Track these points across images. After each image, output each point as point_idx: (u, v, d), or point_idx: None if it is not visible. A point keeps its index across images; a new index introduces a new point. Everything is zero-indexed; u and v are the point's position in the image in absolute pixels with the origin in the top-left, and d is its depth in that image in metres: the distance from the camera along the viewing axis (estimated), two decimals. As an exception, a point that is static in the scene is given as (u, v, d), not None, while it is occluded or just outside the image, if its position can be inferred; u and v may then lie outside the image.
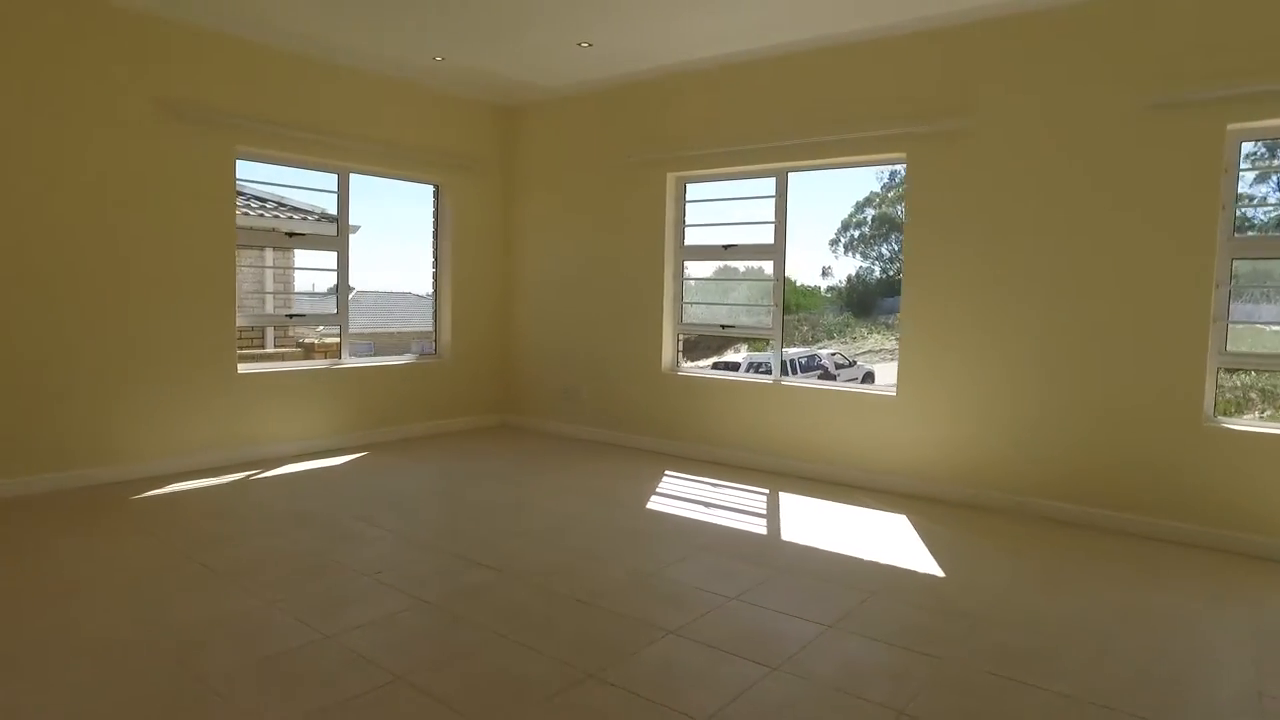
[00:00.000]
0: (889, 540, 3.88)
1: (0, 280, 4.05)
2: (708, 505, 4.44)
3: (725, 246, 5.51)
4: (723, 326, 5.67)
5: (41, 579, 3.11)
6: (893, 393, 4.77)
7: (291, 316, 5.49)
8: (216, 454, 4.90)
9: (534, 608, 2.96)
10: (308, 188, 5.80)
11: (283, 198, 8.06)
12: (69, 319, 4.29)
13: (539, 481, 4.92)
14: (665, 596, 3.11)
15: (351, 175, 5.68)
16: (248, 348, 7.15)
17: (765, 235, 5.28)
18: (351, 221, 8.63)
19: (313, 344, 7.51)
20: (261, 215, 7.76)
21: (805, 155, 4.99)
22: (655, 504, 4.43)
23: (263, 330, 7.52)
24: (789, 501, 4.55)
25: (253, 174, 7.93)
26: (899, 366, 4.76)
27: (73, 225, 4.27)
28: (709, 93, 5.40)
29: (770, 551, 3.68)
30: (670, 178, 5.63)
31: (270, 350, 7.44)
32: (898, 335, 4.79)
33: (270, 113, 5.02)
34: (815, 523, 4.14)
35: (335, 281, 5.76)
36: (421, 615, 2.87)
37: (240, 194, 8.09)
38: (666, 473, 5.17)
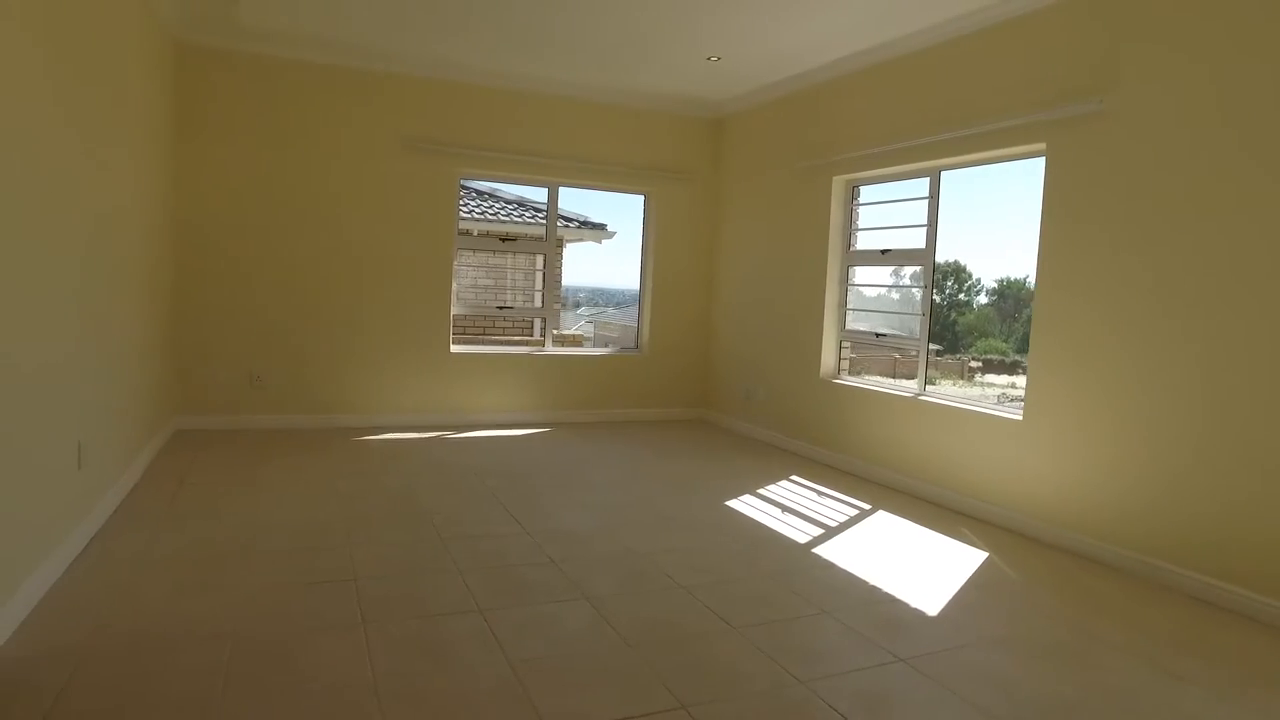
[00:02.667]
0: (942, 582, 3.51)
1: (282, 266, 5.71)
2: (784, 510, 4.39)
3: (882, 251, 5.23)
4: (877, 335, 5.38)
5: (272, 473, 4.46)
6: (1019, 416, 4.16)
7: (501, 309, 6.56)
8: (428, 416, 6.16)
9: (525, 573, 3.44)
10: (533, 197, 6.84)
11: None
12: (337, 301, 5.83)
13: (661, 465, 5.24)
14: (613, 569, 3.34)
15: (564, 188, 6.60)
16: (492, 333, 8.60)
17: (919, 239, 4.92)
18: (610, 226, 9.74)
19: (567, 335, 8.70)
20: (529, 222, 9.20)
21: (946, 152, 4.57)
22: (736, 503, 4.51)
23: (530, 321, 8.92)
24: (875, 522, 4.27)
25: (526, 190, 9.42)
26: (1027, 387, 4.13)
27: (346, 232, 5.80)
28: (863, 95, 5.23)
29: (785, 562, 3.62)
30: (836, 181, 5.51)
31: (535, 337, 8.83)
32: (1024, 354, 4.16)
33: (486, 140, 6.12)
34: (872, 546, 3.88)
35: (544, 281, 6.72)
36: (425, 546, 3.54)
37: (520, 204, 9.65)
38: (793, 477, 5.13)
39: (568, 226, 9.28)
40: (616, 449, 5.77)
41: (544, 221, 9.22)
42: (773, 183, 6.21)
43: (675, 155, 6.82)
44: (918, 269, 4.99)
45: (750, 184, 6.52)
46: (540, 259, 6.67)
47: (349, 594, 2.95)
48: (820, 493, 4.81)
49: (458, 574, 3.21)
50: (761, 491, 4.77)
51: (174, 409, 5.44)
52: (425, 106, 5.94)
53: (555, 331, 6.90)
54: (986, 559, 3.74)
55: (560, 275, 9.62)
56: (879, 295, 5.99)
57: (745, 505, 4.45)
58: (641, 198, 6.93)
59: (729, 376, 6.79)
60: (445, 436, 5.88)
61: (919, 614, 3.05)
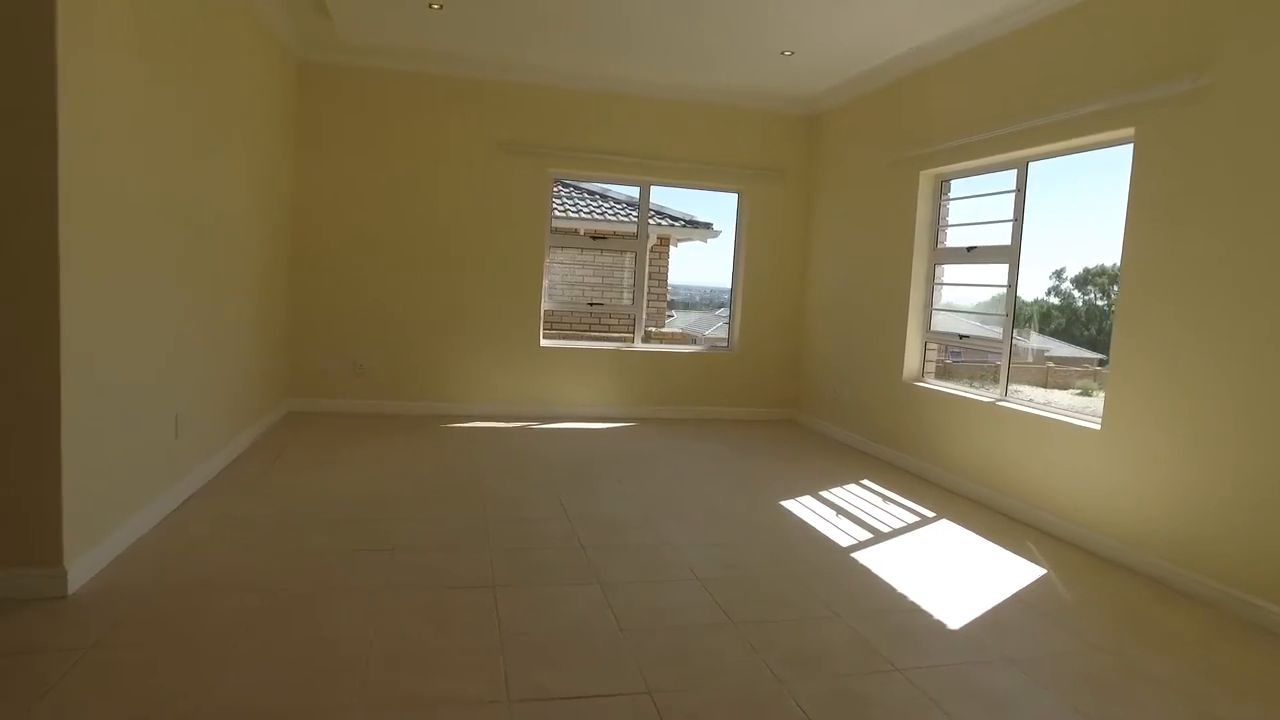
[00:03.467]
0: (981, 596, 3.32)
1: (385, 262, 6.15)
2: (838, 513, 4.26)
3: (968, 249, 4.94)
4: (960, 337, 5.08)
5: (357, 453, 4.87)
6: (1097, 425, 3.81)
7: (591, 305, 6.73)
8: (517, 406, 6.44)
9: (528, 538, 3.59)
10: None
11: (661, 206, 9.52)
12: (434, 295, 6.23)
13: (732, 463, 5.21)
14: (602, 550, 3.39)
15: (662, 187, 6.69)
16: (597, 329, 8.79)
17: (1005, 236, 4.61)
18: (716, 225, 9.72)
19: (668, 332, 8.79)
20: (634, 221, 9.34)
21: (1029, 142, 4.26)
22: (792, 503, 4.42)
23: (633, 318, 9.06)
24: (934, 530, 4.06)
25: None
26: (1106, 395, 3.77)
27: (444, 230, 6.19)
28: (947, 85, 4.99)
29: (817, 564, 3.53)
30: (923, 176, 5.25)
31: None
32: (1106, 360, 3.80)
33: (578, 141, 6.32)
34: (919, 554, 3.71)
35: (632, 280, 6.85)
36: (467, 522, 3.75)
37: (618, 202, 9.81)
38: (864, 481, 4.96)
39: (673, 225, 9.37)
40: (693, 445, 5.80)
41: (653, 220, 9.42)
42: (862, 179, 6.02)
43: (768, 153, 6.74)
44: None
45: (842, 181, 6.34)
46: (640, 256, 6.78)
47: (383, 562, 3.19)
48: (886, 498, 4.63)
49: (488, 552, 3.38)
50: (825, 494, 4.65)
51: (287, 392, 6.02)
52: (519, 110, 6.22)
53: (655, 329, 7.02)
54: (1043, 576, 3.48)
55: (665, 273, 9.75)
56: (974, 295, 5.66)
57: (801, 506, 4.36)
58: (735, 196, 6.91)
59: (818, 377, 6.63)
60: (530, 427, 6.13)
61: (939, 626, 2.90)
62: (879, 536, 3.92)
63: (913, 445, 5.26)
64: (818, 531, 3.94)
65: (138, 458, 3.29)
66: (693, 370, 6.86)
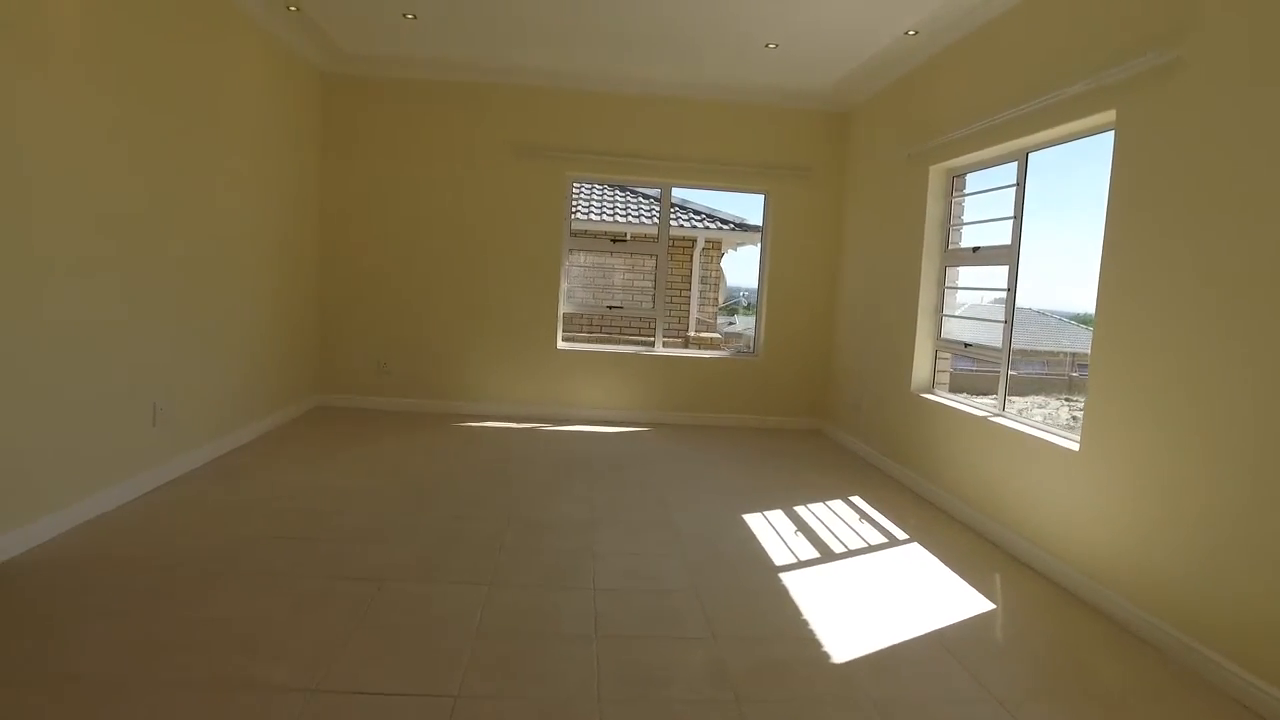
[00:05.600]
0: (897, 632, 3.04)
1: (408, 265, 6.37)
2: (796, 530, 4.01)
3: (973, 250, 4.53)
4: (964, 345, 4.66)
5: (359, 447, 5.09)
6: (1075, 444, 3.39)
7: (611, 308, 6.67)
8: (532, 407, 6.49)
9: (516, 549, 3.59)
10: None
11: (713, 210, 9.31)
12: (454, 297, 6.39)
13: (722, 471, 5.02)
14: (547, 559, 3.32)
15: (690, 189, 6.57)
16: (645, 331, 8.69)
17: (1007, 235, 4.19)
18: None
19: (704, 337, 8.60)
20: (692, 226, 9.17)
21: (1021, 131, 3.86)
22: (756, 516, 4.21)
23: (686, 320, 8.96)
24: (896, 555, 3.75)
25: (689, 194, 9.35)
26: (1085, 411, 3.34)
27: (464, 234, 6.35)
28: (952, 73, 4.62)
29: (731, 582, 3.35)
30: (933, 171, 4.87)
31: (689, 334, 8.85)
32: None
33: (596, 143, 6.30)
34: (859, 581, 3.44)
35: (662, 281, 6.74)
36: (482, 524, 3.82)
37: (681, 207, 9.67)
38: (853, 498, 4.66)
39: (721, 229, 9.16)
40: (694, 451, 5.65)
41: (695, 223, 9.24)
42: (883, 176, 5.67)
43: (794, 152, 6.47)
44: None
45: (867, 179, 5.99)
46: (661, 260, 6.68)
47: (298, 550, 3.30)
48: (864, 516, 4.32)
49: (407, 545, 3.42)
50: (800, 508, 4.40)
51: (315, 388, 6.35)
52: (535, 113, 6.28)
53: (695, 335, 6.91)
54: (987, 612, 3.13)
55: (715, 277, 9.55)
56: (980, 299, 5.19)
57: (762, 520, 4.14)
58: (761, 197, 6.68)
59: (842, 386, 6.29)
60: (539, 428, 6.17)
61: (818, 659, 2.67)
62: (827, 558, 3.66)
63: (917, 461, 4.89)
64: (759, 547, 3.73)
65: (100, 443, 3.58)
66: (715, 376, 6.68)
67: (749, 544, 3.77)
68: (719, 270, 9.52)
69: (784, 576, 3.39)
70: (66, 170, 3.28)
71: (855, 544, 3.87)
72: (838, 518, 4.28)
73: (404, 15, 4.78)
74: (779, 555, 3.64)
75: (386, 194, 6.30)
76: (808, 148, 6.49)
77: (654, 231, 9.15)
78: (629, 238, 8.70)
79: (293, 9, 4.75)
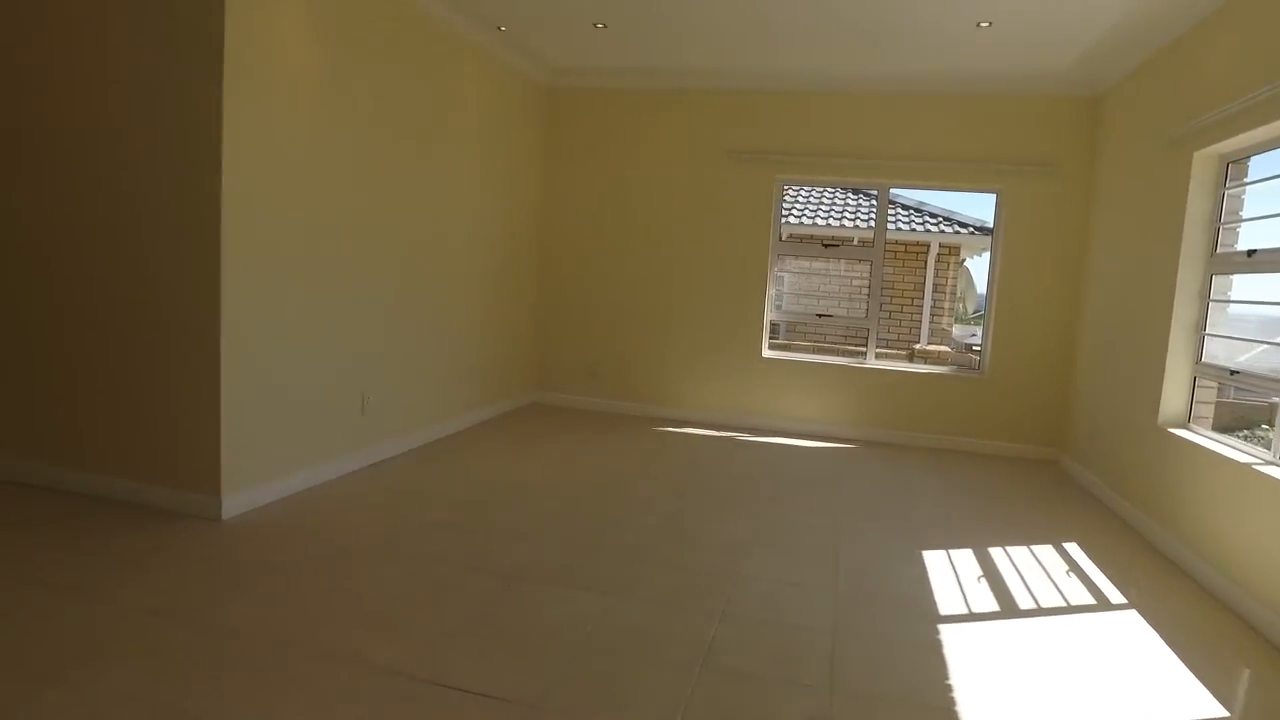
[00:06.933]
0: None
1: (618, 270, 6.52)
2: (980, 577, 3.47)
3: (1248, 254, 3.61)
4: (1231, 373, 3.70)
5: (550, 446, 5.38)
6: None
7: (820, 316, 6.26)
8: (733, 416, 6.33)
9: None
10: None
11: (951, 212, 8.37)
12: (661, 302, 6.46)
13: (924, 500, 4.52)
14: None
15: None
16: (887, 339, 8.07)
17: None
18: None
19: (931, 350, 7.78)
20: (925, 230, 8.36)
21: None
22: (937, 554, 3.72)
23: (916, 331, 8.20)
24: (1103, 623, 3.11)
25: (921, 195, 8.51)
26: None
27: (673, 239, 6.39)
28: (1225, 34, 3.68)
29: (881, 629, 2.98)
30: (1197, 158, 3.96)
31: (919, 346, 8.12)
32: None
33: (806, 145, 6.00)
34: (1040, 649, 2.89)
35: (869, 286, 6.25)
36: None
37: (905, 208, 8.90)
38: (1068, 544, 3.95)
39: (959, 233, 8.24)
40: (895, 475, 5.16)
41: (930, 226, 8.40)
42: (1134, 168, 4.77)
43: (1035, 144, 5.66)
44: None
45: (1120, 174, 5.05)
46: (876, 265, 6.21)
47: (452, 539, 3.50)
48: (1073, 567, 3.64)
49: (550, 547, 3.49)
50: (995, 549, 3.83)
51: (534, 385, 6.76)
52: (743, 116, 6.13)
53: (921, 346, 6.37)
54: None
55: (949, 285, 8.65)
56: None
57: (943, 560, 3.66)
58: (993, 196, 5.93)
59: (1083, 413, 5.38)
60: (736, 437, 6.02)
61: (949, 731, 2.26)
62: (1007, 613, 3.12)
63: (1158, 508, 4.02)
64: (927, 591, 3.28)
65: (314, 425, 4.09)
66: (934, 394, 6.06)
67: (916, 586, 3.34)
68: (956, 277, 8.61)
69: (944, 629, 2.95)
70: (313, 190, 3.83)
71: (1050, 601, 3.27)
72: (1039, 565, 3.66)
73: (594, 24, 4.93)
74: (949, 604, 3.18)
75: (599, 201, 6.53)
76: (1046, 139, 5.65)
77: (915, 239, 8.58)
78: (856, 242, 8.20)
79: (501, 29, 5.09)
